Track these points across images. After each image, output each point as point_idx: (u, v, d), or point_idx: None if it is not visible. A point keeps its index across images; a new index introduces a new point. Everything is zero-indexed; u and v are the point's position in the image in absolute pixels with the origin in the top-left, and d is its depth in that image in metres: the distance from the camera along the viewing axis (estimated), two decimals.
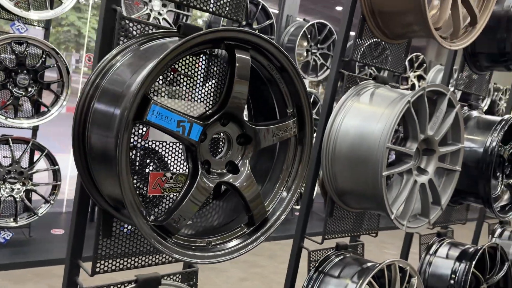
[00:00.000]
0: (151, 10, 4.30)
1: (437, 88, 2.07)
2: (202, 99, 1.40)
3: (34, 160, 4.09)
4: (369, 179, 1.98)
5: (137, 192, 1.46)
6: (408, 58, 6.90)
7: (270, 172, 1.50)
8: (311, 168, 2.30)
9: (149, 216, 1.25)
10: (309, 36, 6.01)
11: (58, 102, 4.00)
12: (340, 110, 2.20)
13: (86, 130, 1.36)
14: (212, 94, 1.41)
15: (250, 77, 1.34)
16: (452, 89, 2.90)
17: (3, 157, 3.98)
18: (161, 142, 1.56)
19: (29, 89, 3.89)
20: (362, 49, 2.29)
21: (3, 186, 3.86)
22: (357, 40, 2.20)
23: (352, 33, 2.26)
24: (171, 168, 1.57)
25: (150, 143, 1.52)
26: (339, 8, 15.38)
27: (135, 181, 1.40)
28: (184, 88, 1.39)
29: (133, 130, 1.33)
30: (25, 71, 3.85)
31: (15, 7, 3.69)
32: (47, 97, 4.07)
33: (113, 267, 1.52)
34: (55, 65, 3.93)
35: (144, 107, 1.16)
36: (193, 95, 1.37)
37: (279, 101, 1.51)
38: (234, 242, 1.43)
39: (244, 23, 5.04)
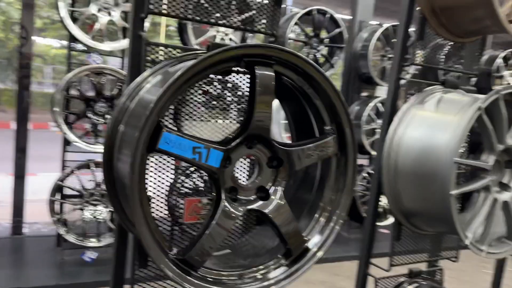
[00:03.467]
0: (217, 31, 4.36)
1: None
2: (226, 121, 1.31)
3: None
4: (437, 198, 1.74)
5: (170, 220, 1.40)
6: (503, 55, 6.17)
7: (310, 201, 1.36)
8: (374, 184, 2.10)
9: (171, 249, 1.18)
10: (385, 40, 5.64)
11: None
12: (402, 120, 1.98)
13: (112, 156, 1.33)
14: (236, 115, 1.32)
15: (285, 96, 1.22)
16: None
17: (88, 180, 4.22)
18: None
19: (107, 116, 4.10)
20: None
21: (88, 207, 4.09)
22: (418, 41, 1.98)
23: None
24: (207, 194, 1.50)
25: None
26: None
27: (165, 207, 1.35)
28: (208, 110, 1.31)
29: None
30: (103, 99, 4.08)
31: (93, 40, 3.94)
32: None
33: None
34: None
35: (157, 134, 1.10)
36: (216, 117, 1.29)
37: (316, 117, 1.37)
38: (275, 273, 1.31)
39: (312, 34, 4.88)
